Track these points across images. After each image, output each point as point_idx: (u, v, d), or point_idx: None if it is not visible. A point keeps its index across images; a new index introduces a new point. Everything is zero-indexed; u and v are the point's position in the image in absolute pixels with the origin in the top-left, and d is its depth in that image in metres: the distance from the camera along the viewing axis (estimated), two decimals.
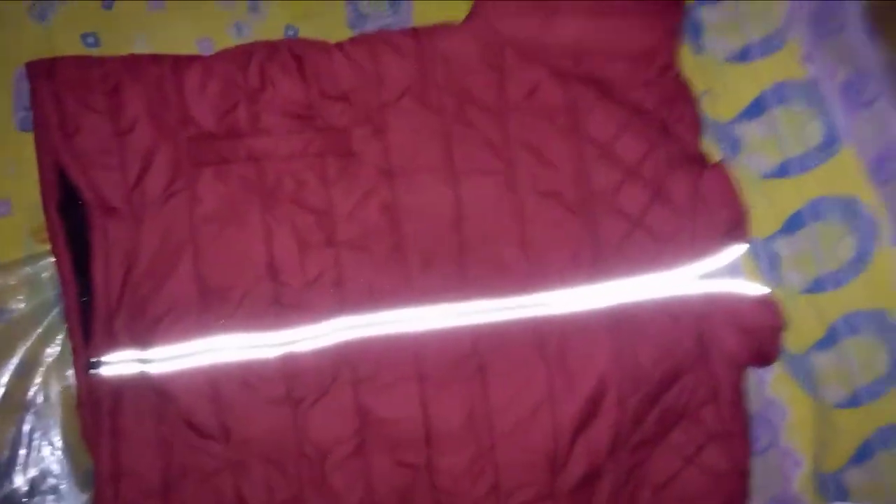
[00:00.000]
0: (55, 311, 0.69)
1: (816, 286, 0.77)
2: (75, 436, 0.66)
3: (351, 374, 0.64)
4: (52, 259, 0.67)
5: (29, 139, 0.67)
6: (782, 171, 0.78)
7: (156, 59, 0.66)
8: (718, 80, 0.79)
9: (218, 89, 0.65)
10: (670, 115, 0.70)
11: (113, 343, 0.63)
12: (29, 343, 0.68)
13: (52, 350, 0.69)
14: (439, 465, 0.65)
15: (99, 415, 0.63)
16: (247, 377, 0.63)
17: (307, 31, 0.74)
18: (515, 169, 0.68)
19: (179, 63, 0.65)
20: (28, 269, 0.68)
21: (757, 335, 0.69)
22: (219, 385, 0.63)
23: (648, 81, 0.70)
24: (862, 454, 0.77)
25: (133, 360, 0.63)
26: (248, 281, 0.64)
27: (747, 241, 0.70)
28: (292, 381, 0.64)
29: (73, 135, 0.64)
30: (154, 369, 0.63)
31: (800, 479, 0.76)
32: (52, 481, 0.68)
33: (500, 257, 0.67)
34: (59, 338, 0.69)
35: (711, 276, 0.69)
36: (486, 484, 0.65)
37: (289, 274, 0.65)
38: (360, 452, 0.65)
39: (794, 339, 0.75)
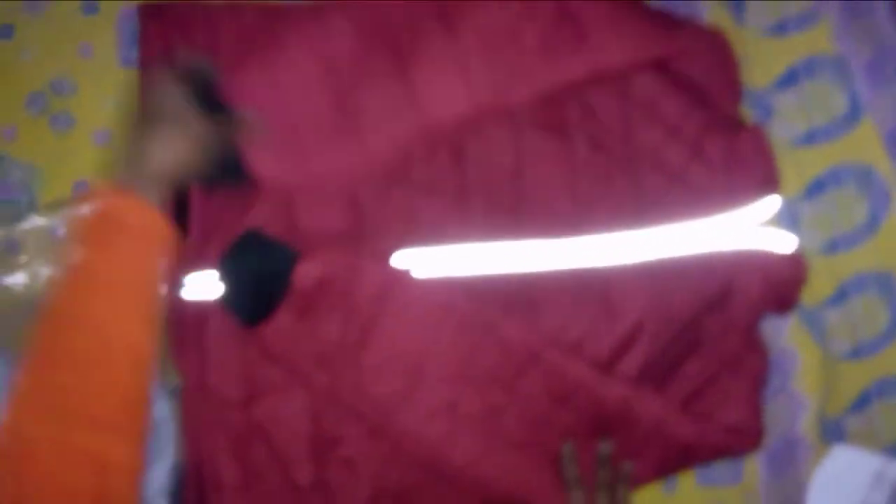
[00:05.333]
0: None
1: (831, 247, 0.80)
2: (164, 353, 0.68)
3: None
4: None
5: (129, 75, 0.69)
6: (808, 139, 0.81)
7: (252, 6, 0.68)
8: (755, 51, 0.81)
9: None
10: (710, 82, 0.73)
11: (203, 268, 0.66)
12: None
13: None
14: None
15: (185, 334, 0.66)
16: None
17: None
18: (569, 126, 0.71)
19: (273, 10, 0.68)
20: None
21: (781, 286, 0.73)
22: None
23: (692, 53, 0.73)
24: (861, 402, 0.81)
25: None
26: None
27: (777, 198, 0.73)
28: None
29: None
30: None
31: (805, 422, 0.80)
32: None
33: (552, 206, 0.70)
34: None
35: (743, 229, 0.72)
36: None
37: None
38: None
39: (809, 294, 0.78)
